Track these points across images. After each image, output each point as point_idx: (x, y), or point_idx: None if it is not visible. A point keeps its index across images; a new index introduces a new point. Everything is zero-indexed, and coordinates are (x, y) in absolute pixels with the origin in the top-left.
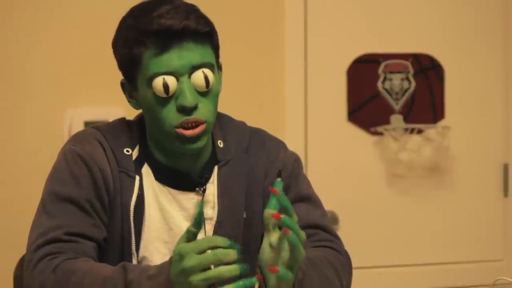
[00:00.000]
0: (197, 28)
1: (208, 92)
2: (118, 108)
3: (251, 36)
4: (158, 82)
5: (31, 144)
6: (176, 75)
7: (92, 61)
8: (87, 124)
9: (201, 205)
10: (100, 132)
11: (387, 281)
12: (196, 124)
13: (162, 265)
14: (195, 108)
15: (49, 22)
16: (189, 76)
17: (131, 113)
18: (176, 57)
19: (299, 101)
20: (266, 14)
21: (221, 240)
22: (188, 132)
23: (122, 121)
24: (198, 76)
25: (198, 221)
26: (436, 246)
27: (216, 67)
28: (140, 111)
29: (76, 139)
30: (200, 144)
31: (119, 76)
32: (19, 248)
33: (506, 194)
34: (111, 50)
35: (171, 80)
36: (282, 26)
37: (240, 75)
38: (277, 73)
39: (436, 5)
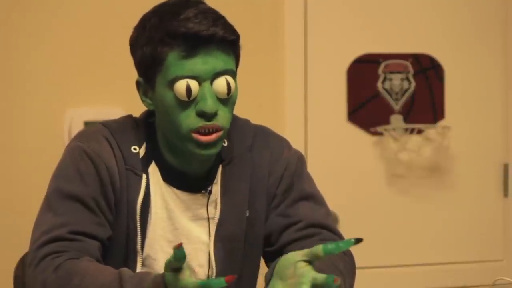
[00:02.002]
0: (224, 36)
1: (228, 99)
2: (118, 108)
3: (251, 36)
4: (181, 85)
5: (31, 144)
6: (199, 80)
7: (92, 61)
8: (87, 124)
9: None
10: (107, 129)
11: (387, 281)
12: (214, 130)
13: (156, 280)
14: (215, 114)
15: (49, 22)
16: (211, 82)
17: (132, 113)
18: (201, 62)
19: (299, 101)
20: (266, 14)
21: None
22: (204, 138)
23: (129, 118)
24: (221, 83)
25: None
26: (436, 246)
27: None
28: (145, 108)
29: (82, 135)
30: (214, 150)
31: (119, 76)
32: (19, 248)
33: (506, 194)
34: (111, 50)
35: (193, 84)
36: (282, 26)
37: (240, 75)
38: (277, 73)
39: (436, 5)
